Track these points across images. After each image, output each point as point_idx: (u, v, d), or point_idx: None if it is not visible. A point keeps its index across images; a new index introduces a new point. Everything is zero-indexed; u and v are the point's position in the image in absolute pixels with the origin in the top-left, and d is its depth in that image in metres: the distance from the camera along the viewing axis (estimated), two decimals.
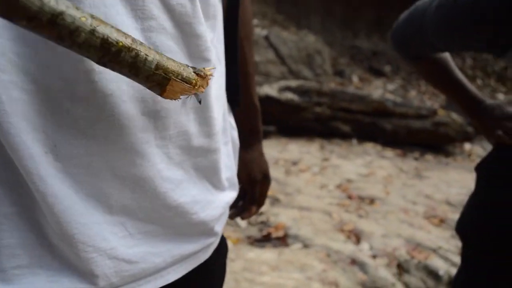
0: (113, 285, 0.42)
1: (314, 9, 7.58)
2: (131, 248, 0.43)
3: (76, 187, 0.39)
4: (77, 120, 0.38)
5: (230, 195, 0.57)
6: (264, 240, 2.31)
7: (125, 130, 0.40)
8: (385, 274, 2.11)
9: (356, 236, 2.47)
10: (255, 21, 6.75)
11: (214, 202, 0.51)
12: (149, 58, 0.34)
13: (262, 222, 2.54)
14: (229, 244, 2.19)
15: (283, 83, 5.13)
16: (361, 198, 3.14)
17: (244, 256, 2.09)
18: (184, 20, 0.42)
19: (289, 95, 4.88)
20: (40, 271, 0.39)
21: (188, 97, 0.44)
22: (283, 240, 2.33)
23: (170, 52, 0.42)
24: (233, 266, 1.97)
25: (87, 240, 0.39)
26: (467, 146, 5.36)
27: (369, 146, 4.95)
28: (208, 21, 0.47)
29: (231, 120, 0.62)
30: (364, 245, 2.38)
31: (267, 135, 4.67)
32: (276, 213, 2.63)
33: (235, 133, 0.62)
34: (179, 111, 0.44)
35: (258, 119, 0.77)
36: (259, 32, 6.51)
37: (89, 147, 0.39)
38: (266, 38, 6.50)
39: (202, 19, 0.44)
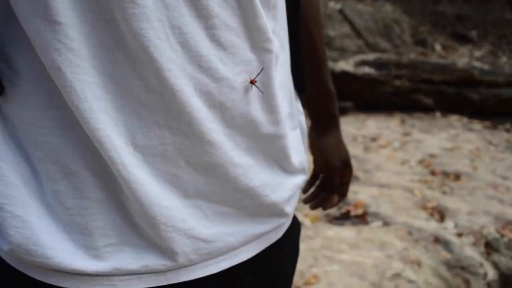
0: (191, 261, 0.46)
1: None
2: (207, 228, 0.47)
3: (154, 174, 0.43)
4: (151, 113, 0.42)
5: (301, 177, 0.58)
6: (343, 218, 2.31)
7: (195, 121, 0.43)
8: (472, 253, 2.02)
9: (440, 214, 2.38)
10: None
11: (284, 184, 0.53)
12: None
13: None
14: (307, 222, 2.22)
15: (359, 57, 4.97)
16: (446, 174, 3.00)
17: (322, 234, 2.11)
18: (244, 15, 0.44)
19: (366, 69, 4.74)
20: (127, 249, 0.44)
21: (251, 86, 0.46)
22: (362, 218, 2.31)
23: (233, 46, 0.44)
24: (311, 243, 1.99)
25: (167, 221, 0.43)
26: None
27: (454, 119, 4.68)
28: (269, 11, 0.48)
29: (298, 105, 0.63)
30: (449, 223, 2.28)
31: (344, 111, 4.58)
32: (355, 191, 2.60)
33: (302, 118, 0.63)
34: (244, 101, 0.46)
35: (333, 104, 0.73)
36: (333, 6, 6.33)
37: (163, 137, 0.43)
38: (341, 11, 6.31)
39: (261, 12, 0.45)
